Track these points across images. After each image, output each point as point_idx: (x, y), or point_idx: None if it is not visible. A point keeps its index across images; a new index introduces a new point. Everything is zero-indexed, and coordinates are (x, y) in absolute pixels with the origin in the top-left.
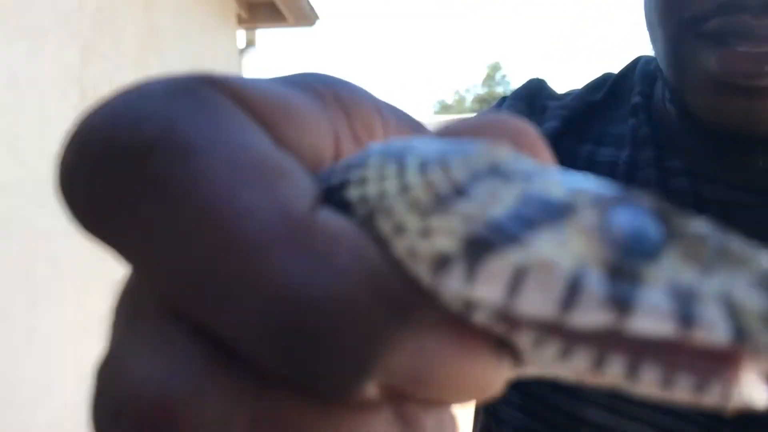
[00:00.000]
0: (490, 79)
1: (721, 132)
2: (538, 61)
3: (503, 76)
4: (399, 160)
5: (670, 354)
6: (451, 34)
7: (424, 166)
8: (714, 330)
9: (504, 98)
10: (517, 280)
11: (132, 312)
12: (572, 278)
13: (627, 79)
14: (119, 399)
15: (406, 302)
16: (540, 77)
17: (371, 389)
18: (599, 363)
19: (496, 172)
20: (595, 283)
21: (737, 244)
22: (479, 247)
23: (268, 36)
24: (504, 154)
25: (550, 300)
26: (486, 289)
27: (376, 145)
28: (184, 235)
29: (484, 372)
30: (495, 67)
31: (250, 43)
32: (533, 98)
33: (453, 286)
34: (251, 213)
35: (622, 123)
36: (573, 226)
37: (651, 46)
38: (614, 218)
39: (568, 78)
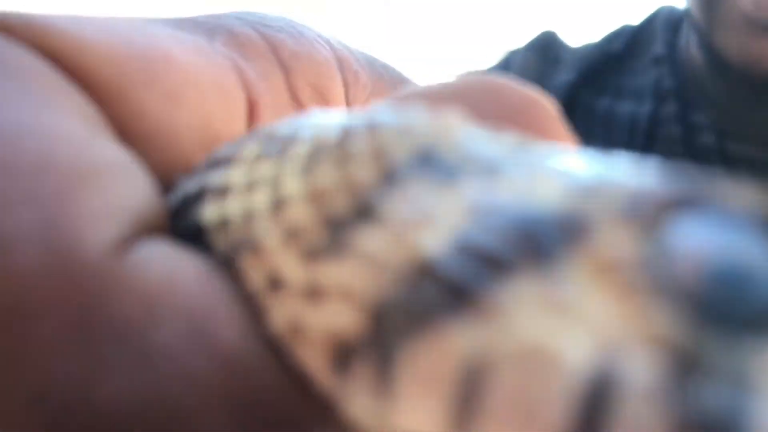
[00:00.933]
0: None
1: (750, 78)
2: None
3: None
4: (284, 147)
5: None
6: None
7: (314, 159)
8: None
9: (515, 51)
10: (473, 386)
11: None
12: (596, 383)
13: (647, 29)
14: None
15: (291, 417)
16: (551, 30)
17: None
18: None
19: (429, 163)
20: (652, 395)
21: None
22: (398, 320)
23: None
24: (453, 128)
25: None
26: (412, 405)
27: (279, 122)
28: None
29: None
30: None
31: None
32: (547, 49)
33: (361, 397)
34: (7, 248)
35: (642, 75)
36: (588, 266)
37: None
38: (678, 242)
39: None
